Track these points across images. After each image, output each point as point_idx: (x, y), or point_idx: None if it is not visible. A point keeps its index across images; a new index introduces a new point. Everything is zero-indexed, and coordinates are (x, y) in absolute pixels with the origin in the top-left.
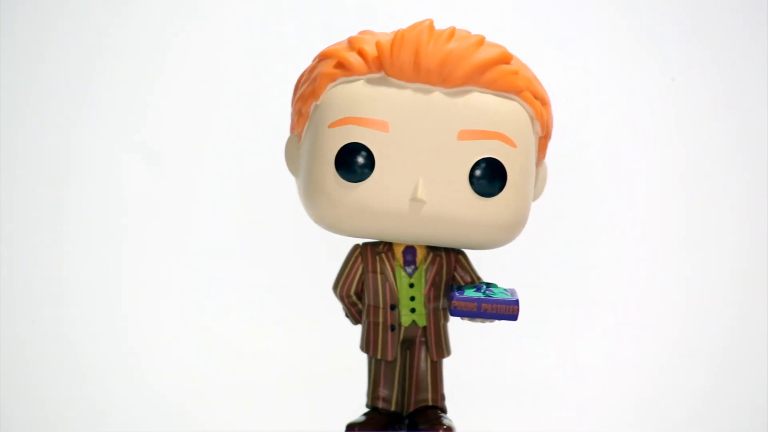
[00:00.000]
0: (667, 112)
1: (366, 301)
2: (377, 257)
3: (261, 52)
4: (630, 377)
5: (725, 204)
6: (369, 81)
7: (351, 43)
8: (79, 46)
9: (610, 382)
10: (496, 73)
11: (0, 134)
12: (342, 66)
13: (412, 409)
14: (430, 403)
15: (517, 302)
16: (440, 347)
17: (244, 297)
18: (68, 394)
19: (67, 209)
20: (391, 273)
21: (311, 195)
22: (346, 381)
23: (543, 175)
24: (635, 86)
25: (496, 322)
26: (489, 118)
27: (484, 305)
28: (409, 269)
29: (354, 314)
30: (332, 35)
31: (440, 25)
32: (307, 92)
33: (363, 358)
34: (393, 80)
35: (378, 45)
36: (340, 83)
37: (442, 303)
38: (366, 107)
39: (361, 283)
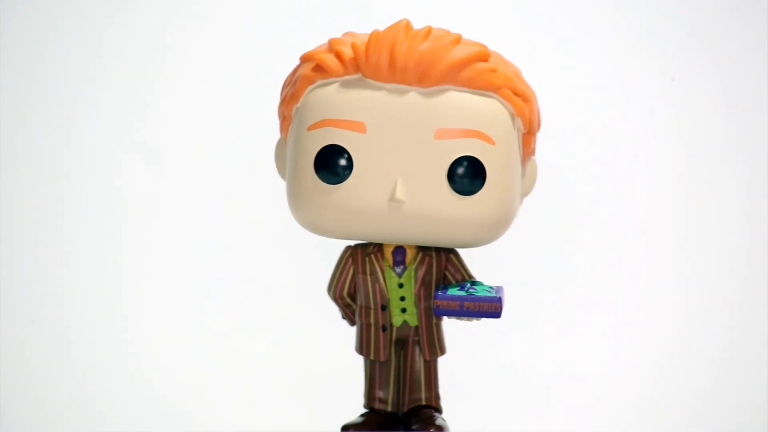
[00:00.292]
0: (667, 112)
1: (358, 302)
2: (366, 258)
3: (261, 52)
4: (628, 377)
5: (725, 204)
6: (346, 83)
7: (330, 45)
8: (79, 46)
9: (609, 382)
10: (473, 71)
11: (0, 134)
12: (320, 68)
13: (406, 408)
14: (424, 403)
15: (499, 299)
16: (433, 346)
17: (244, 297)
18: (68, 394)
19: (67, 209)
20: (380, 273)
21: (294, 198)
22: (346, 381)
23: (532, 171)
24: (635, 86)
25: (483, 320)
26: (466, 117)
27: (466, 304)
28: (398, 269)
29: (349, 315)
30: (332, 35)
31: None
32: (289, 95)
33: (361, 359)
34: (370, 81)
35: (353, 46)
36: (318, 86)
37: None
38: (343, 109)
39: (354, 284)
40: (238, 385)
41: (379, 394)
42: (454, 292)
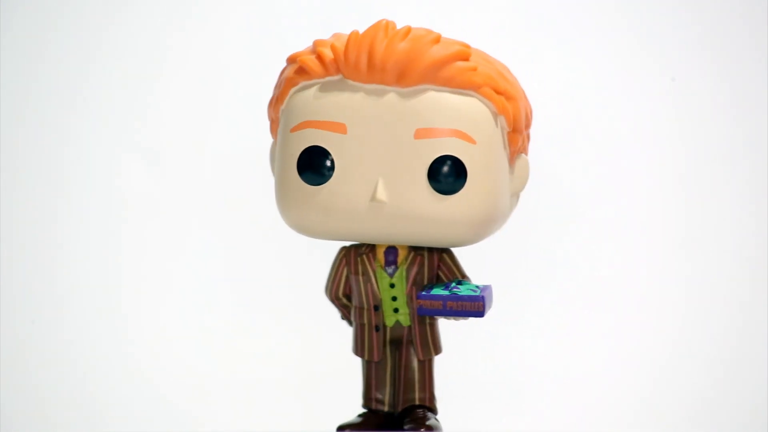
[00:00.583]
0: (667, 112)
1: (353, 302)
2: (359, 259)
3: (261, 52)
4: (626, 377)
5: (725, 204)
6: (327, 84)
7: (313, 47)
8: (79, 46)
9: (606, 382)
10: (452, 70)
11: (0, 134)
12: (302, 70)
13: (400, 408)
14: (417, 403)
15: (482, 298)
16: (426, 346)
17: (244, 297)
18: (68, 394)
19: (67, 209)
20: (372, 274)
21: (280, 199)
22: (345, 381)
23: (522, 169)
24: (635, 86)
25: (472, 320)
26: (445, 116)
27: (449, 303)
28: (390, 269)
29: (347, 316)
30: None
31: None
32: (275, 98)
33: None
34: (350, 82)
35: (332, 47)
36: (301, 87)
37: None
38: (324, 110)
39: (348, 285)
40: (238, 385)
41: (376, 394)
42: (437, 291)
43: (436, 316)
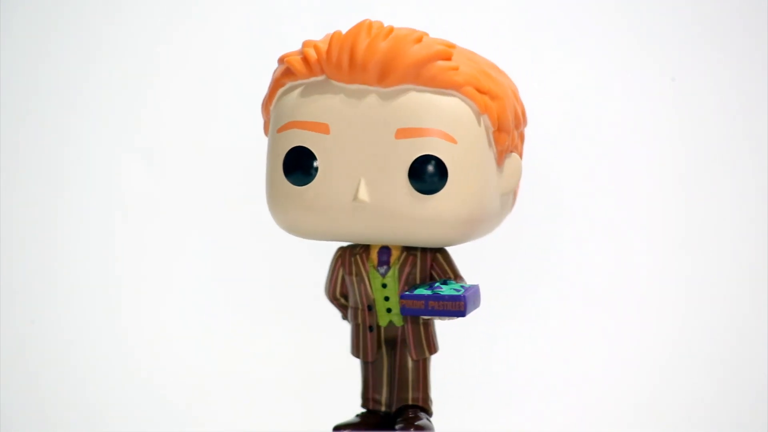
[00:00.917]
0: (667, 112)
1: (349, 303)
2: (353, 259)
3: (261, 52)
4: (627, 377)
5: (725, 204)
6: (312, 84)
7: (302, 47)
8: (79, 46)
9: (605, 382)
10: (433, 69)
11: (0, 134)
12: (288, 71)
13: (395, 408)
14: (411, 402)
15: (463, 298)
16: (420, 346)
17: (244, 297)
18: (68, 394)
19: (67, 209)
20: (365, 274)
21: (269, 200)
22: (345, 381)
23: (512, 168)
24: (635, 86)
25: (465, 319)
26: (426, 116)
27: (431, 303)
28: (382, 269)
29: (347, 316)
30: None
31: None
32: (265, 99)
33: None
34: (334, 83)
35: (316, 48)
36: (288, 88)
37: None
38: (307, 111)
39: (345, 285)
40: (238, 385)
41: (374, 395)
42: (420, 291)
43: (417, 316)
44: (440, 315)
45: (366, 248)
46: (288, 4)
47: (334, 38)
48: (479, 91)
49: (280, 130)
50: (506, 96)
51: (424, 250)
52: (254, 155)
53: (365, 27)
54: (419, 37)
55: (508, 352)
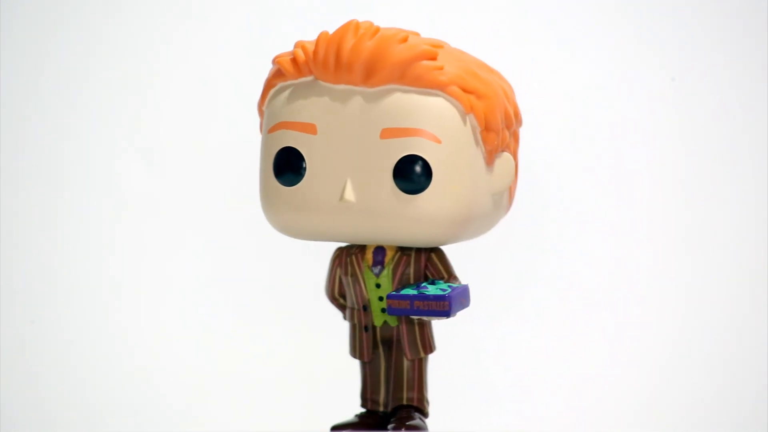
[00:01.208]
0: (667, 112)
1: (347, 303)
2: (348, 259)
3: (261, 52)
4: (626, 377)
5: (725, 204)
6: (300, 85)
7: (294, 48)
8: (78, 46)
9: (604, 383)
10: (418, 69)
11: (0, 134)
12: (279, 72)
13: (390, 408)
14: (405, 403)
15: (446, 297)
16: (414, 346)
17: (244, 297)
18: (68, 394)
19: (67, 209)
20: (359, 274)
21: (261, 200)
22: (345, 382)
23: (503, 168)
24: (635, 86)
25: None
26: (411, 116)
27: (416, 303)
28: (376, 269)
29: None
30: None
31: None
32: (259, 100)
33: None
34: (321, 83)
35: (304, 48)
36: (279, 89)
37: None
38: (295, 111)
39: (342, 285)
40: (238, 385)
41: (372, 395)
42: (407, 291)
43: (404, 316)
44: (426, 315)
45: (362, 248)
46: (288, 4)
47: (321, 38)
48: (465, 90)
49: (271, 130)
50: (495, 95)
51: (419, 250)
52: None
53: (352, 27)
54: (405, 37)
55: (507, 352)
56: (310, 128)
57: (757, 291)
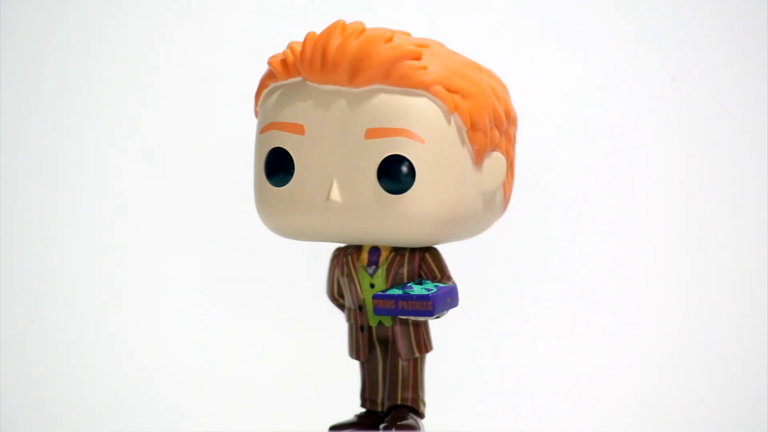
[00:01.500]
0: (667, 112)
1: (345, 303)
2: (345, 259)
3: (261, 52)
4: (626, 377)
5: (725, 204)
6: (290, 86)
7: (285, 48)
8: (78, 46)
9: (605, 382)
10: (402, 69)
11: (0, 134)
12: (270, 73)
13: (385, 408)
14: (400, 402)
15: (429, 297)
16: (408, 346)
17: (244, 297)
18: (68, 394)
19: (67, 209)
20: (354, 274)
21: (255, 201)
22: (345, 382)
23: (493, 167)
24: (635, 86)
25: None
26: (394, 116)
27: (401, 303)
28: (371, 269)
29: None
30: None
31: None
32: (254, 101)
33: None
34: (309, 83)
35: (292, 49)
36: (271, 90)
37: None
38: (284, 112)
39: (341, 285)
40: (238, 385)
41: (371, 395)
42: (392, 291)
43: (389, 316)
44: (410, 315)
45: (358, 249)
46: (287, 4)
47: (308, 39)
48: (449, 90)
49: (262, 131)
50: (482, 95)
51: (413, 250)
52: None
53: (338, 27)
54: (390, 37)
55: (505, 352)
56: (298, 129)
57: (757, 291)
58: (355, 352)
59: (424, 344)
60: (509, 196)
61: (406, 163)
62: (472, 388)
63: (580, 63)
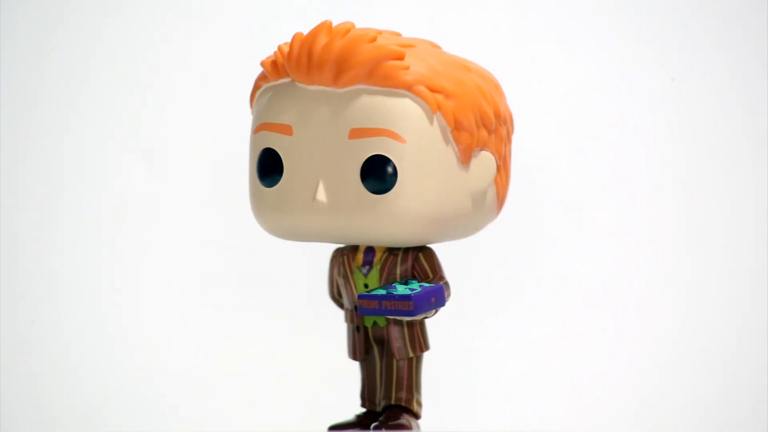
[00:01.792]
0: (667, 112)
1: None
2: (342, 260)
3: (261, 52)
4: (625, 377)
5: (725, 204)
6: (280, 86)
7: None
8: (78, 45)
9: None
10: (384, 69)
11: (0, 134)
12: (262, 74)
13: (381, 408)
14: (393, 402)
15: (410, 297)
16: (402, 346)
17: (244, 297)
18: (68, 394)
19: (67, 209)
20: (350, 275)
21: (250, 202)
22: (346, 382)
23: (481, 167)
24: (635, 86)
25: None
26: (376, 116)
27: (384, 303)
28: (365, 270)
29: None
30: None
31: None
32: (250, 103)
33: None
34: (298, 84)
35: (280, 50)
36: (263, 91)
37: None
38: (273, 112)
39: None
40: (238, 385)
41: (370, 395)
42: (378, 291)
43: (374, 315)
44: (393, 314)
45: (354, 249)
46: (287, 4)
47: (295, 39)
48: (431, 89)
49: (254, 132)
50: (467, 95)
51: (407, 250)
52: None
53: (325, 28)
54: (373, 37)
55: (503, 352)
56: (286, 129)
57: (757, 291)
58: (352, 352)
59: (419, 344)
60: (504, 196)
61: (389, 163)
62: (468, 388)
63: (580, 63)
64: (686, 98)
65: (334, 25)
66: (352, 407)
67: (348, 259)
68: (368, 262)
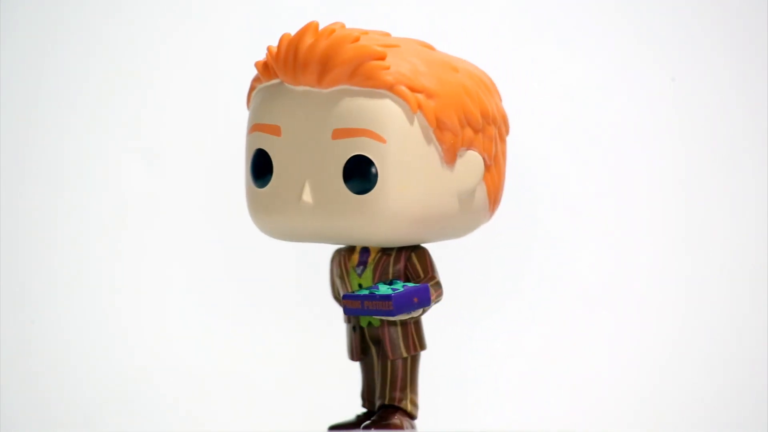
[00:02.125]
0: (667, 112)
1: None
2: (339, 260)
3: (261, 52)
4: (625, 377)
5: (725, 204)
6: (271, 87)
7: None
8: (78, 45)
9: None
10: (365, 69)
11: (0, 134)
12: (257, 76)
13: (376, 408)
14: (387, 402)
15: (390, 297)
16: (395, 346)
17: (244, 297)
18: (68, 394)
19: (67, 209)
20: (346, 275)
21: (246, 203)
22: (346, 382)
23: (468, 167)
24: (635, 86)
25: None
26: (357, 116)
27: (366, 303)
28: (359, 270)
29: None
30: None
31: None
32: (246, 104)
33: None
34: (286, 85)
35: (269, 50)
36: (257, 91)
37: None
38: (265, 113)
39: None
40: (238, 385)
41: (369, 395)
42: (361, 291)
43: (359, 315)
44: (375, 314)
45: (351, 249)
46: (287, 4)
47: (282, 40)
48: (412, 89)
49: (248, 132)
50: (450, 94)
51: (400, 250)
52: None
53: (311, 28)
54: (356, 37)
55: (501, 352)
56: (275, 130)
57: (757, 291)
58: (350, 352)
59: (413, 344)
60: (497, 195)
61: (370, 163)
62: (465, 388)
63: (580, 63)
64: (686, 98)
65: (324, 25)
66: (352, 407)
67: (345, 260)
68: (363, 263)
